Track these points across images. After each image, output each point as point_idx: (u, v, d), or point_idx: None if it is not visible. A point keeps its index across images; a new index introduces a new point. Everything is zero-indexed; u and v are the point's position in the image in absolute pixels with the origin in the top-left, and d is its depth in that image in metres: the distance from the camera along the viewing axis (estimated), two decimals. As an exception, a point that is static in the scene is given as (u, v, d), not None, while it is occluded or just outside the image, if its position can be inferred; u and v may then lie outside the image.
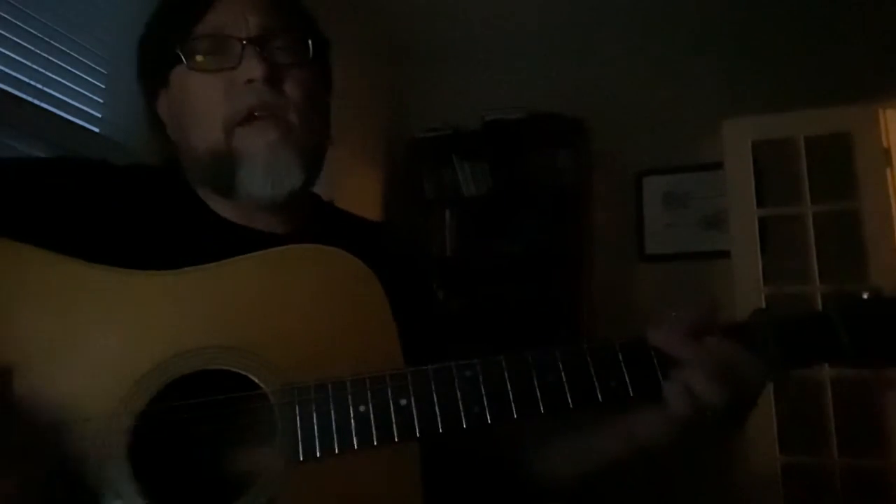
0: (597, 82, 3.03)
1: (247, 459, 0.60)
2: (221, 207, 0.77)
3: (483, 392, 0.58)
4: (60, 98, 1.52)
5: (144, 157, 0.84)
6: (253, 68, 0.71)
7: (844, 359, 0.60)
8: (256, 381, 0.57)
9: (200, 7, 0.73)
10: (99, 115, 1.62)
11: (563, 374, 0.58)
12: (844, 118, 2.46)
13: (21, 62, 1.43)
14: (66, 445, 0.54)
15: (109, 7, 1.64)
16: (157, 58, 0.77)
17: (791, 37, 2.74)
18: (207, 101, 0.72)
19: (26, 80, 1.44)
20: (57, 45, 1.51)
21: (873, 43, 2.59)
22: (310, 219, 0.81)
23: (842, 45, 2.64)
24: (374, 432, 0.56)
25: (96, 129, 1.61)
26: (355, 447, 0.56)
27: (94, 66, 1.61)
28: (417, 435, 0.56)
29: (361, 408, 0.56)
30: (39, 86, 1.47)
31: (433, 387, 0.57)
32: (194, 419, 0.56)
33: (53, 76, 1.51)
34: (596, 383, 0.58)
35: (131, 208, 0.72)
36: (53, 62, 1.50)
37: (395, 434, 0.56)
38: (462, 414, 0.57)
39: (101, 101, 1.63)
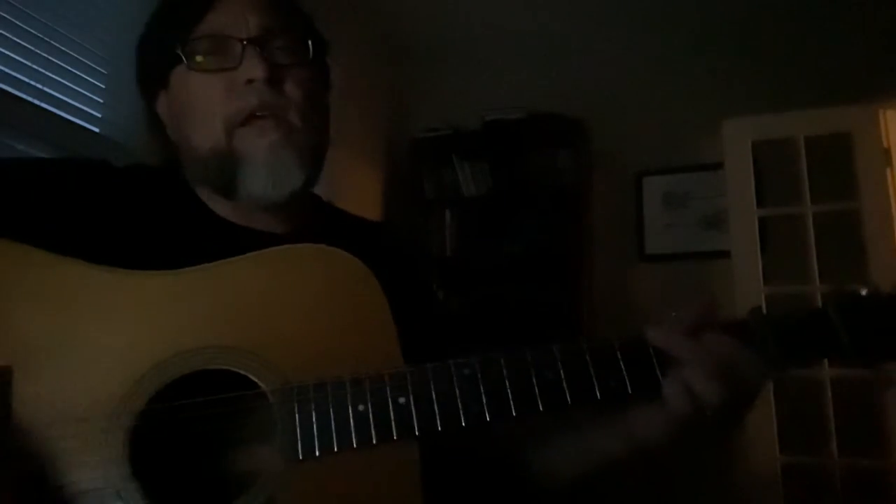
0: (597, 82, 3.03)
1: (246, 459, 0.60)
2: (221, 207, 0.77)
3: (482, 390, 0.58)
4: (60, 98, 1.52)
5: (144, 157, 0.84)
6: (254, 68, 0.71)
7: (843, 356, 0.60)
8: (255, 380, 0.58)
9: (200, 7, 0.73)
10: (99, 115, 1.62)
11: (561, 372, 0.59)
12: (844, 118, 2.46)
13: (21, 62, 1.43)
14: (65, 445, 0.54)
15: (109, 7, 1.64)
16: (157, 58, 0.77)
17: (791, 37, 2.74)
18: (208, 101, 0.72)
19: (26, 80, 1.44)
20: (57, 45, 1.51)
21: (873, 43, 2.59)
22: (309, 219, 0.81)
23: (842, 45, 2.64)
24: (373, 431, 0.56)
25: (96, 129, 1.62)
26: (354, 446, 0.56)
27: (94, 66, 1.61)
28: (416, 433, 0.56)
29: (360, 407, 0.56)
30: (39, 86, 1.47)
31: (432, 385, 0.57)
32: (194, 419, 0.56)
33: (53, 76, 1.51)
34: (595, 382, 0.59)
35: (131, 209, 0.72)
36: (53, 62, 1.51)
37: (394, 433, 0.56)
38: (461, 412, 0.57)
39: (101, 101, 1.63)
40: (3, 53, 1.39)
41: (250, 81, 0.71)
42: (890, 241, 2.33)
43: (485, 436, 0.64)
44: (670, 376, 0.59)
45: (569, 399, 0.58)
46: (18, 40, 1.42)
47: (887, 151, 2.43)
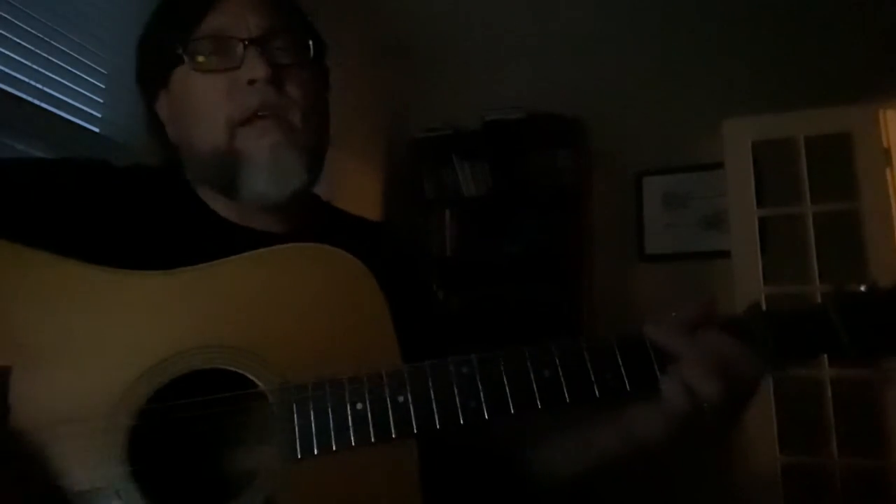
0: (597, 82, 3.03)
1: (245, 458, 0.60)
2: (221, 207, 0.77)
3: (480, 388, 0.58)
4: (60, 98, 1.53)
5: (144, 157, 0.85)
6: (255, 68, 0.71)
7: (842, 352, 0.59)
8: (254, 380, 0.58)
9: (202, 8, 0.74)
10: (99, 115, 1.63)
11: (559, 369, 0.58)
12: (844, 118, 2.45)
13: (21, 62, 1.43)
14: (64, 445, 0.55)
15: (109, 7, 1.64)
16: (157, 58, 0.77)
17: (791, 37, 2.74)
18: (209, 101, 0.73)
19: (26, 80, 1.44)
20: (57, 45, 1.52)
21: (873, 43, 2.59)
22: (309, 219, 0.82)
23: (842, 45, 2.64)
24: (371, 429, 0.56)
25: (96, 129, 1.62)
26: (353, 445, 0.56)
27: (94, 66, 1.62)
28: (415, 431, 0.56)
29: (359, 405, 0.57)
30: (39, 86, 1.47)
31: (430, 383, 0.57)
32: (192, 418, 0.56)
33: (53, 76, 1.51)
34: (593, 378, 0.58)
35: (132, 209, 0.72)
36: (53, 62, 1.51)
37: (393, 431, 0.56)
38: (459, 410, 0.57)
39: (101, 101, 1.63)
40: (3, 53, 1.39)
41: (252, 81, 0.72)
42: (890, 241, 2.33)
43: (484, 434, 0.64)
44: (668, 373, 0.59)
45: (567, 397, 0.58)
46: (18, 40, 1.42)
47: (887, 151, 2.42)
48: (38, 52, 1.47)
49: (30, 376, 0.56)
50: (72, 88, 1.56)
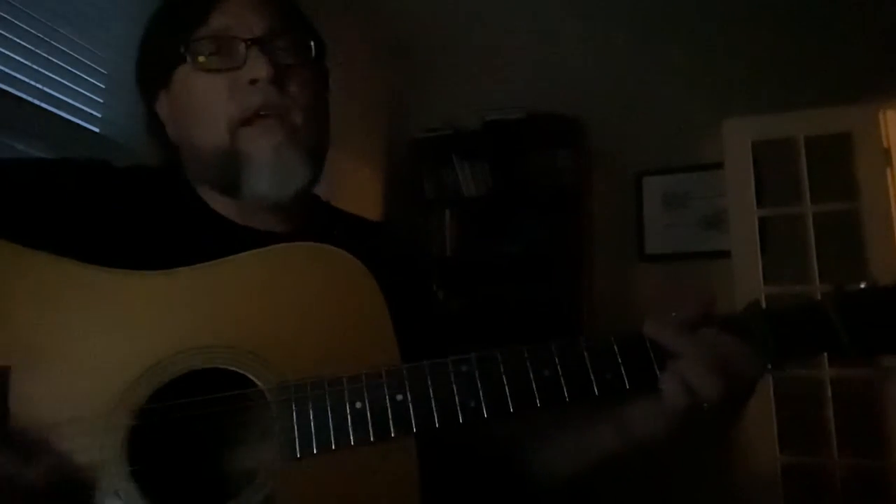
0: (597, 82, 3.03)
1: (244, 457, 0.60)
2: (222, 206, 0.77)
3: (479, 386, 0.58)
4: (60, 98, 1.53)
5: (144, 158, 0.85)
6: (258, 68, 0.72)
7: (841, 350, 0.59)
8: (253, 379, 0.58)
9: (204, 9, 0.74)
10: (99, 115, 1.63)
11: (559, 367, 0.59)
12: (844, 118, 2.45)
13: (21, 62, 1.43)
14: (63, 445, 0.55)
15: (109, 7, 1.64)
16: (159, 58, 0.77)
17: (791, 37, 2.74)
18: (212, 100, 0.73)
19: (26, 80, 1.44)
20: (57, 45, 1.52)
21: (873, 43, 2.59)
22: (310, 218, 0.82)
23: (842, 45, 2.64)
24: (370, 428, 0.56)
25: (96, 129, 1.62)
26: (352, 444, 0.56)
27: (94, 66, 1.62)
28: (414, 430, 0.57)
29: (358, 404, 0.57)
30: (39, 86, 1.47)
31: (429, 382, 0.57)
32: (192, 418, 0.56)
33: (53, 76, 1.51)
34: (592, 376, 0.59)
35: (132, 209, 0.72)
36: (53, 62, 1.51)
37: (392, 430, 0.56)
38: (458, 409, 0.57)
39: (101, 101, 1.63)
40: (3, 53, 1.39)
41: (254, 81, 0.72)
42: (890, 241, 2.33)
43: (483, 433, 0.64)
44: (667, 371, 0.59)
45: (567, 396, 0.58)
46: (18, 40, 1.42)
47: (887, 151, 2.42)
48: (38, 52, 1.47)
49: (30, 376, 0.56)
50: (72, 88, 1.56)
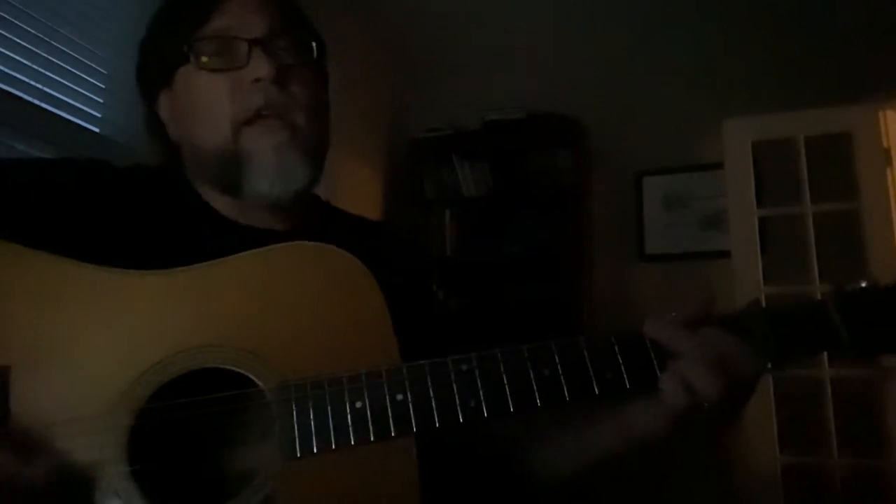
0: (597, 82, 3.03)
1: (244, 457, 0.60)
2: (222, 206, 0.77)
3: (479, 386, 0.58)
4: (60, 98, 1.52)
5: (144, 157, 0.85)
6: (261, 68, 0.72)
7: (842, 349, 0.59)
8: (253, 379, 0.58)
9: (206, 9, 0.74)
10: (99, 115, 1.63)
11: (559, 366, 0.58)
12: (844, 118, 2.45)
13: (21, 62, 1.43)
14: (64, 445, 0.55)
15: (109, 7, 1.64)
16: (161, 58, 0.78)
17: (791, 37, 2.74)
18: (214, 100, 0.73)
19: (26, 80, 1.44)
20: (57, 45, 1.51)
21: (873, 43, 2.59)
22: (309, 217, 0.82)
23: (842, 45, 2.64)
24: (370, 428, 0.56)
25: (96, 129, 1.62)
26: (352, 443, 0.56)
27: (94, 66, 1.61)
28: (414, 430, 0.56)
29: (358, 404, 0.57)
30: (39, 86, 1.47)
31: (429, 381, 0.57)
32: (192, 417, 0.56)
33: (53, 76, 1.51)
34: (592, 376, 0.58)
35: (132, 208, 0.72)
36: (53, 62, 1.51)
37: (392, 429, 0.56)
38: (459, 408, 0.57)
39: (101, 101, 1.63)
40: (3, 53, 1.39)
41: (257, 81, 0.72)
42: (890, 241, 2.33)
43: (483, 433, 0.64)
44: (668, 370, 0.59)
45: (567, 395, 0.58)
46: (18, 40, 1.42)
47: (887, 151, 2.42)
48: (38, 52, 1.47)
49: (30, 376, 0.56)
50: (72, 88, 1.56)
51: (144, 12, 0.81)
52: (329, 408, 0.56)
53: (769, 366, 0.60)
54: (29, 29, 1.45)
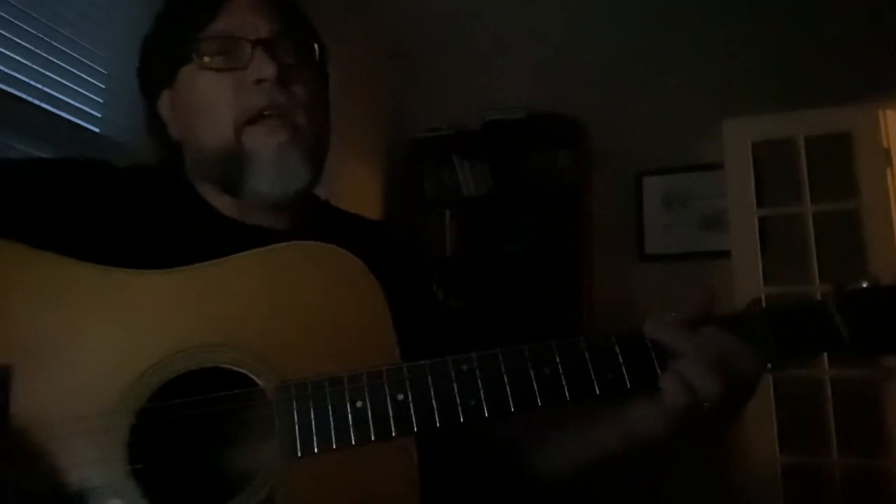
0: (597, 82, 3.03)
1: (245, 456, 0.60)
2: (222, 205, 0.78)
3: (480, 386, 0.58)
4: (60, 98, 1.53)
5: (144, 157, 0.85)
6: (264, 68, 0.72)
7: (842, 348, 0.59)
8: (254, 378, 0.58)
9: (210, 10, 0.75)
10: (99, 115, 1.63)
11: (559, 366, 0.59)
12: (844, 118, 2.45)
13: (21, 62, 1.43)
14: (64, 444, 0.55)
15: (110, 7, 1.64)
16: (164, 58, 0.78)
17: (791, 37, 2.74)
18: (217, 100, 0.74)
19: (26, 80, 1.44)
20: (57, 45, 1.51)
21: (873, 43, 2.59)
22: (309, 217, 0.82)
23: (842, 45, 2.64)
24: (371, 427, 0.56)
25: (96, 129, 1.62)
26: (353, 443, 0.56)
27: (94, 66, 1.62)
28: (415, 429, 0.56)
29: (358, 403, 0.57)
30: (39, 86, 1.47)
31: (430, 381, 0.57)
32: (193, 417, 0.56)
33: (53, 76, 1.51)
34: (593, 376, 0.59)
35: (132, 208, 0.72)
36: (53, 62, 1.51)
37: (393, 429, 0.56)
38: (459, 408, 0.57)
39: (101, 101, 1.63)
40: (3, 53, 1.39)
41: (260, 81, 0.72)
42: (890, 241, 2.33)
43: (483, 432, 0.64)
44: (668, 370, 0.59)
45: (567, 395, 0.58)
46: (18, 40, 1.42)
47: (887, 151, 2.42)
48: (38, 52, 1.47)
49: (30, 375, 0.56)
50: (72, 88, 1.56)
51: (145, 12, 0.82)
52: (330, 407, 0.56)
53: (769, 366, 0.60)
54: (29, 29, 1.45)
